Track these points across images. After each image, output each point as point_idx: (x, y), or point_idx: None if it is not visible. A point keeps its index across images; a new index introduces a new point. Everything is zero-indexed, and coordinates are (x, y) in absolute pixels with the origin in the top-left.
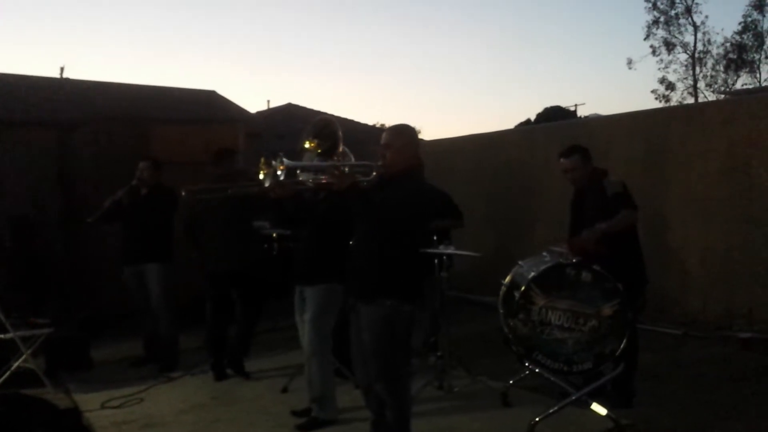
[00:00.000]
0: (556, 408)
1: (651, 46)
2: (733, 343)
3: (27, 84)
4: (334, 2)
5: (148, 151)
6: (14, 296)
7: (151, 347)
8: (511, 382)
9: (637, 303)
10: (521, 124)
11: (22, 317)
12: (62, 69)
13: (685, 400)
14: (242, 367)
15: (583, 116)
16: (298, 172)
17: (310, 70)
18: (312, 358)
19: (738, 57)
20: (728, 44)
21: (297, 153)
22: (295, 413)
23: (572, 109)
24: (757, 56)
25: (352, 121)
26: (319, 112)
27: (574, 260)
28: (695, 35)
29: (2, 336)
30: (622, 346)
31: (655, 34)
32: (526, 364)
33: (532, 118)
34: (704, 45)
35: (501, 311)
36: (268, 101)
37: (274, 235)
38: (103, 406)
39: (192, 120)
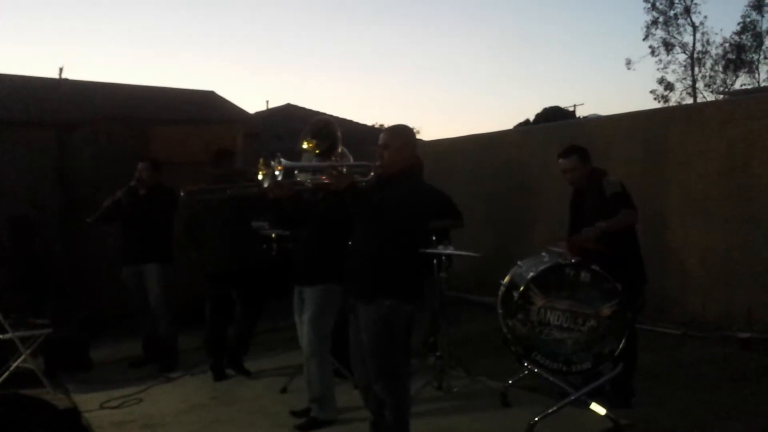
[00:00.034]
0: (555, 408)
1: (650, 47)
2: (732, 343)
3: (26, 84)
4: (334, 2)
5: (147, 151)
6: (14, 296)
7: (151, 348)
8: (510, 382)
9: (636, 303)
10: (520, 125)
11: (21, 317)
12: (61, 69)
13: (684, 400)
14: (242, 366)
15: (582, 116)
16: (296, 172)
17: (310, 71)
18: (311, 359)
19: (737, 57)
20: (727, 45)
21: (296, 153)
22: (295, 413)
23: (571, 109)
24: (755, 56)
25: (351, 122)
26: (318, 113)
27: (573, 261)
28: (694, 36)
29: (1, 336)
30: (621, 346)
31: (654, 35)
32: (525, 365)
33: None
34: (703, 45)
35: (500, 311)
36: (267, 101)
37: (273, 235)
38: (102, 407)
39: (191, 120)
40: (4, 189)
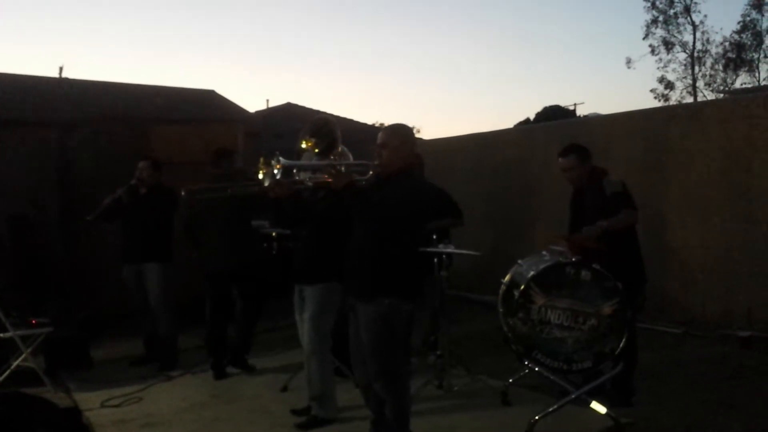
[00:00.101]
0: (555, 407)
1: (650, 46)
2: (732, 342)
3: (27, 84)
4: (334, 2)
5: (148, 150)
6: (14, 296)
7: (152, 346)
8: (510, 380)
9: (637, 302)
10: (521, 124)
11: (22, 316)
12: (61, 68)
13: (684, 399)
14: (246, 363)
15: (582, 115)
16: (294, 171)
17: (310, 70)
18: (311, 357)
19: (737, 56)
20: (727, 43)
21: (296, 152)
22: (295, 412)
23: (571, 108)
24: (755, 55)
25: (351, 121)
26: (318, 112)
27: (573, 259)
28: (694, 34)
29: (2, 335)
30: (621, 345)
31: (654, 34)
32: (526, 363)
33: (532, 117)
34: (703, 44)
35: (500, 310)
36: (267, 101)
37: (274, 234)
38: (102, 405)
39: (191, 119)
40: (4, 189)
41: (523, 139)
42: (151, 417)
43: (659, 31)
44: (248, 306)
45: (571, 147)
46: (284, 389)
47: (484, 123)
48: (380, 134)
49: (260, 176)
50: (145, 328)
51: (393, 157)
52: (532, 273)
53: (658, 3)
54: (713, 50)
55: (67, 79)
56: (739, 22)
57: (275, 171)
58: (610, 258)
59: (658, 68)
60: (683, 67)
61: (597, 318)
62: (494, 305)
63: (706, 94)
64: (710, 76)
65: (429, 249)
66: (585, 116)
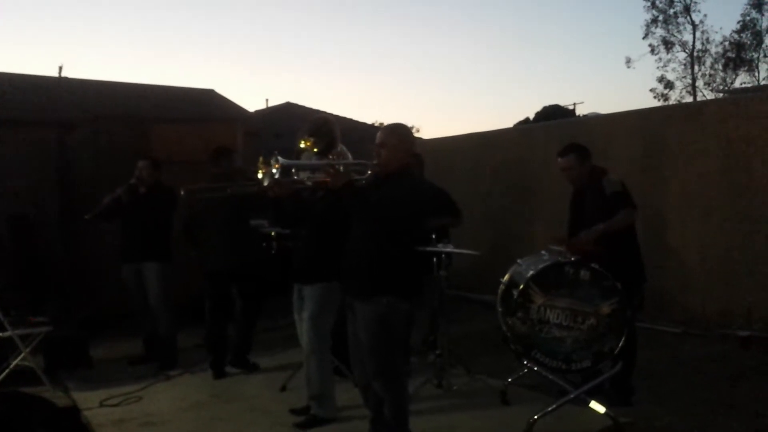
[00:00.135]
0: (554, 406)
1: (650, 45)
2: (731, 342)
3: (26, 83)
4: (334, 2)
5: (147, 150)
6: (14, 296)
7: (151, 346)
8: (509, 380)
9: (636, 301)
10: (520, 123)
11: (21, 315)
12: (60, 68)
13: (683, 398)
14: (247, 362)
15: (581, 115)
16: (293, 171)
17: (310, 70)
18: (311, 357)
19: (736, 56)
20: (727, 43)
21: (295, 152)
22: (294, 411)
23: (571, 107)
24: (755, 55)
25: (351, 120)
26: (318, 111)
27: (572, 259)
28: (694, 34)
29: (1, 334)
30: (620, 345)
31: (654, 33)
32: (525, 363)
33: (531, 117)
34: (703, 44)
35: (500, 310)
36: (267, 100)
37: (273, 233)
38: (101, 405)
39: (191, 119)
40: (4, 188)
41: (522, 138)
42: (151, 416)
43: (659, 31)
44: (247, 305)
45: (570, 146)
46: (283, 388)
47: (483, 123)
48: (379, 134)
49: (260, 176)
50: (145, 327)
51: (391, 156)
52: (531, 272)
53: (657, 2)
54: (713, 50)
55: (66, 79)
56: (738, 22)
57: (274, 171)
58: (609, 257)
59: (657, 68)
60: (683, 67)
61: (596, 317)
62: (493, 305)
63: (706, 94)
64: (710, 75)
65: (428, 248)
66: (584, 116)
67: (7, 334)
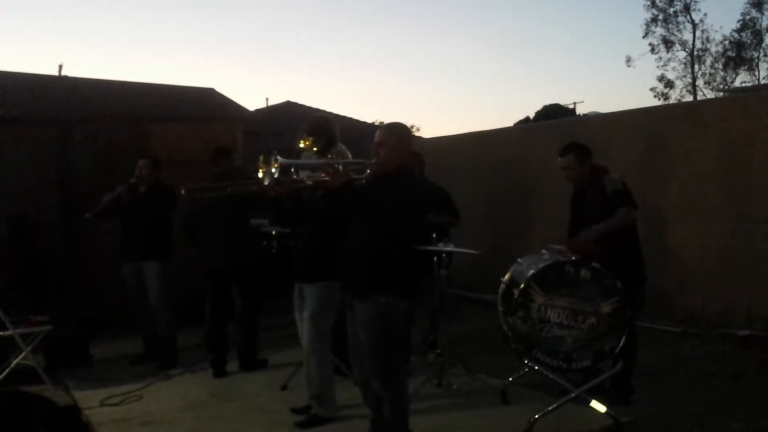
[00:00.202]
0: (555, 405)
1: (650, 44)
2: (731, 341)
3: (26, 82)
4: (334, 2)
5: (147, 149)
6: (14, 295)
7: (151, 345)
8: (510, 379)
9: (636, 301)
10: (520, 122)
11: (22, 315)
12: (60, 67)
13: (684, 398)
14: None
15: (581, 114)
16: (292, 170)
17: (310, 69)
18: (311, 356)
19: (737, 55)
20: (727, 42)
21: (295, 151)
22: (295, 410)
23: (571, 107)
24: (755, 54)
25: (351, 119)
26: (318, 110)
27: (573, 258)
28: (694, 33)
29: (2, 333)
30: (621, 344)
31: (654, 32)
32: (526, 362)
33: (531, 116)
34: (703, 43)
35: (500, 309)
36: (267, 99)
37: (274, 232)
38: (102, 404)
39: (191, 118)
40: (4, 188)
41: (522, 137)
42: (151, 415)
43: (659, 30)
44: (248, 304)
45: (570, 146)
46: (284, 388)
47: (483, 122)
48: (378, 133)
49: (260, 175)
50: (145, 326)
51: (390, 155)
52: (531, 272)
53: (657, 1)
54: (713, 49)
55: (66, 78)
56: (738, 21)
57: (273, 170)
58: (610, 257)
59: (657, 67)
60: (683, 66)
61: (596, 317)
62: (494, 304)
63: (706, 93)
64: (710, 74)
65: (428, 247)
66: (584, 115)
67: (8, 333)
